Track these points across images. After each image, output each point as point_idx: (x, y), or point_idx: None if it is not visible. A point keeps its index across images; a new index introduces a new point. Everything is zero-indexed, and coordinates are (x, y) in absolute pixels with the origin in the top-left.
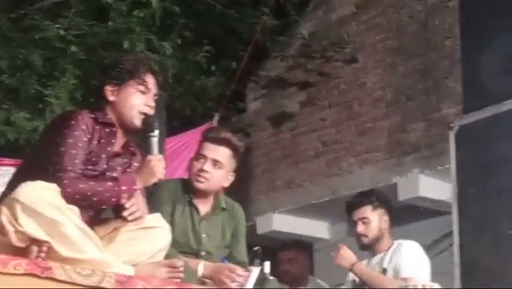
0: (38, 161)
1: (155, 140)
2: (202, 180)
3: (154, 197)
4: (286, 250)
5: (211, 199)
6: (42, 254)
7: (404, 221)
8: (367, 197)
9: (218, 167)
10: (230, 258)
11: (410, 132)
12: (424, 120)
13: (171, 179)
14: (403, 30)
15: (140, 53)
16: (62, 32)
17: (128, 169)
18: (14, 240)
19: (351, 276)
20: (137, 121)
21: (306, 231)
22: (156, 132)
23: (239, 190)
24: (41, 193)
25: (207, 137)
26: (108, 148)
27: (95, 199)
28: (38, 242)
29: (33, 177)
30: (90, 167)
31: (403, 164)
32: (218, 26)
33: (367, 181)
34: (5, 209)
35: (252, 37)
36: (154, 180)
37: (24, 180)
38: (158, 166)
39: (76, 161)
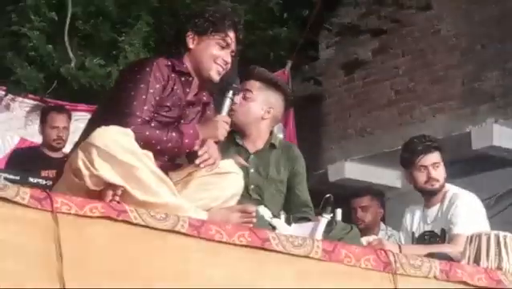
0: (112, 106)
1: (227, 101)
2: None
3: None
4: (359, 198)
5: (262, 138)
6: (117, 198)
7: (478, 170)
8: (435, 141)
9: (250, 99)
10: (293, 197)
11: (485, 80)
12: (499, 69)
13: None
14: None
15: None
16: None
17: (201, 118)
18: (90, 184)
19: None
20: (213, 73)
21: (377, 180)
22: (231, 93)
23: (311, 139)
24: (116, 138)
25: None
26: (183, 97)
27: (158, 148)
28: (112, 186)
29: (107, 122)
30: (163, 113)
31: (477, 114)
32: None
33: (440, 130)
34: (81, 154)
35: None
36: (215, 140)
37: (99, 125)
38: (222, 127)
39: (145, 107)
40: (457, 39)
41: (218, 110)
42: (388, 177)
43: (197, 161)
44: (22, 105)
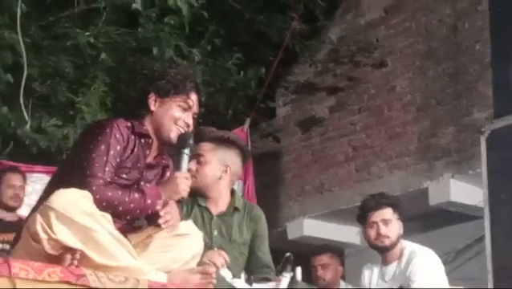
0: (72, 168)
1: (185, 158)
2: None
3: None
4: (319, 256)
5: (225, 200)
6: (75, 262)
7: (436, 225)
8: (388, 198)
9: (204, 162)
10: (255, 259)
11: (440, 136)
12: (454, 125)
13: None
14: (432, 33)
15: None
16: (92, 39)
17: (160, 180)
18: (48, 248)
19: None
20: (173, 135)
21: (336, 236)
22: (188, 150)
23: (269, 195)
24: (74, 200)
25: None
26: (142, 159)
27: (120, 209)
28: (71, 250)
29: (67, 184)
30: (123, 176)
31: (434, 169)
32: (247, 31)
33: (397, 186)
34: (39, 217)
35: (281, 42)
36: (177, 196)
37: (58, 187)
38: (183, 184)
39: (107, 169)
40: (412, 95)
41: (177, 167)
42: (347, 233)
43: (160, 221)
44: None
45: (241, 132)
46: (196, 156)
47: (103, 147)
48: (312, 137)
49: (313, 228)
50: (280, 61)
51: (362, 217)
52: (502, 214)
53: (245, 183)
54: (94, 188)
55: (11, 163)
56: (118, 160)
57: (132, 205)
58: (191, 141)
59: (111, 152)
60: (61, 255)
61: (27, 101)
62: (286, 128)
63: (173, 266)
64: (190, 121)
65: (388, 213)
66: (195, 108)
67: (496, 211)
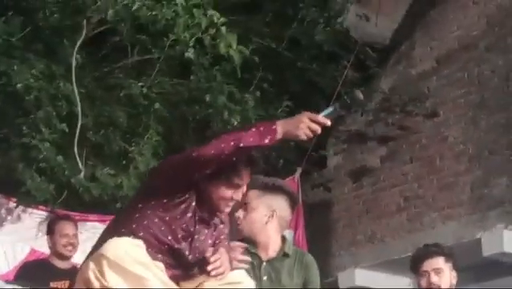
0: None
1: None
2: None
3: None
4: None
5: (275, 246)
6: None
7: (489, 276)
8: (440, 248)
9: (250, 209)
10: None
11: (493, 186)
12: (507, 175)
13: None
14: (484, 84)
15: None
16: (145, 90)
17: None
18: None
19: None
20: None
21: (388, 286)
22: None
23: (320, 245)
24: (127, 249)
25: None
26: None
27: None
28: None
29: (120, 233)
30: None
31: (486, 220)
32: (299, 80)
33: (450, 237)
34: (92, 265)
35: (333, 91)
36: (297, 133)
37: (112, 235)
38: (306, 122)
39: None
40: (465, 146)
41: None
42: (399, 284)
43: (209, 268)
44: (33, 216)
45: (292, 182)
46: (243, 204)
47: None
48: (363, 187)
49: (364, 278)
50: None
51: (414, 266)
52: None
53: (295, 232)
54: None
55: (64, 212)
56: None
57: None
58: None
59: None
60: None
61: (81, 150)
62: (337, 177)
63: None
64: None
65: (439, 262)
66: (246, 182)
67: None
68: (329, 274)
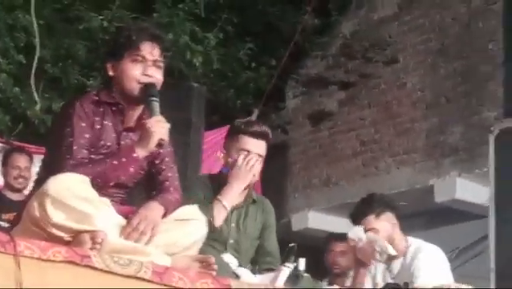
0: (49, 151)
1: (155, 104)
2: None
3: (189, 190)
4: (340, 242)
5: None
6: (98, 246)
7: (440, 223)
8: (368, 205)
9: (260, 161)
10: (261, 248)
11: (449, 134)
12: (463, 123)
13: (202, 174)
14: (445, 31)
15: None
16: (105, 23)
17: None
18: (57, 232)
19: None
20: (136, 92)
21: (341, 230)
22: (155, 97)
23: (275, 187)
24: (70, 185)
25: (247, 131)
26: (118, 126)
27: (99, 180)
28: (92, 233)
29: (49, 169)
30: (103, 151)
31: (440, 167)
32: (260, 22)
33: (403, 182)
34: (35, 203)
35: (293, 35)
36: (153, 142)
37: (46, 170)
38: (156, 126)
39: (74, 147)
40: (423, 92)
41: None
42: (352, 226)
43: (123, 235)
44: None
45: None
46: (258, 156)
47: (68, 129)
48: (321, 130)
49: (318, 221)
50: (292, 54)
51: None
52: (507, 214)
53: None
54: (65, 170)
55: (19, 144)
56: (87, 136)
57: (108, 172)
58: (155, 88)
59: (77, 131)
60: (75, 238)
61: (38, 82)
62: (295, 120)
63: (174, 250)
64: (150, 70)
65: (370, 221)
66: (152, 56)
67: (501, 210)
68: (283, 215)
